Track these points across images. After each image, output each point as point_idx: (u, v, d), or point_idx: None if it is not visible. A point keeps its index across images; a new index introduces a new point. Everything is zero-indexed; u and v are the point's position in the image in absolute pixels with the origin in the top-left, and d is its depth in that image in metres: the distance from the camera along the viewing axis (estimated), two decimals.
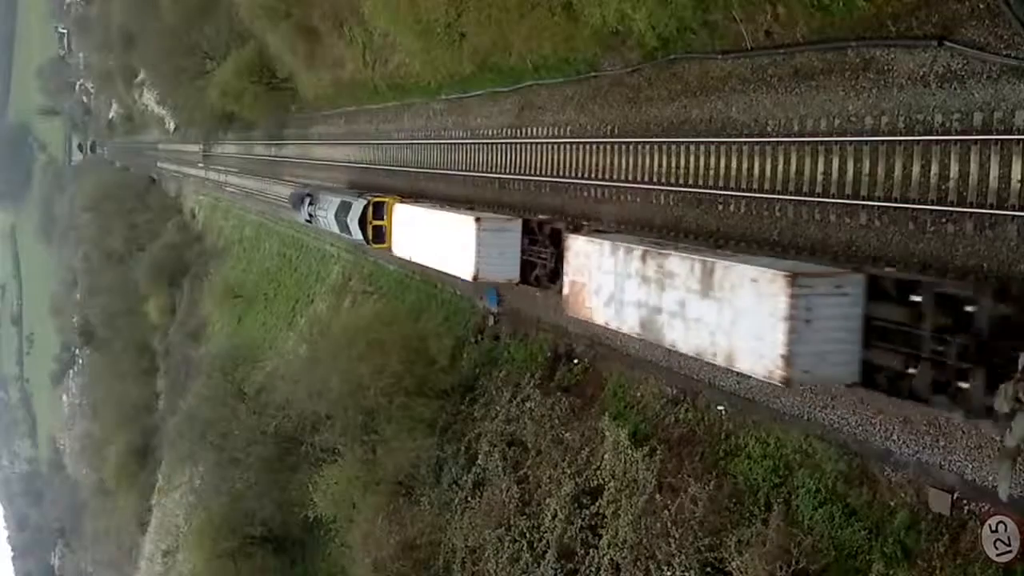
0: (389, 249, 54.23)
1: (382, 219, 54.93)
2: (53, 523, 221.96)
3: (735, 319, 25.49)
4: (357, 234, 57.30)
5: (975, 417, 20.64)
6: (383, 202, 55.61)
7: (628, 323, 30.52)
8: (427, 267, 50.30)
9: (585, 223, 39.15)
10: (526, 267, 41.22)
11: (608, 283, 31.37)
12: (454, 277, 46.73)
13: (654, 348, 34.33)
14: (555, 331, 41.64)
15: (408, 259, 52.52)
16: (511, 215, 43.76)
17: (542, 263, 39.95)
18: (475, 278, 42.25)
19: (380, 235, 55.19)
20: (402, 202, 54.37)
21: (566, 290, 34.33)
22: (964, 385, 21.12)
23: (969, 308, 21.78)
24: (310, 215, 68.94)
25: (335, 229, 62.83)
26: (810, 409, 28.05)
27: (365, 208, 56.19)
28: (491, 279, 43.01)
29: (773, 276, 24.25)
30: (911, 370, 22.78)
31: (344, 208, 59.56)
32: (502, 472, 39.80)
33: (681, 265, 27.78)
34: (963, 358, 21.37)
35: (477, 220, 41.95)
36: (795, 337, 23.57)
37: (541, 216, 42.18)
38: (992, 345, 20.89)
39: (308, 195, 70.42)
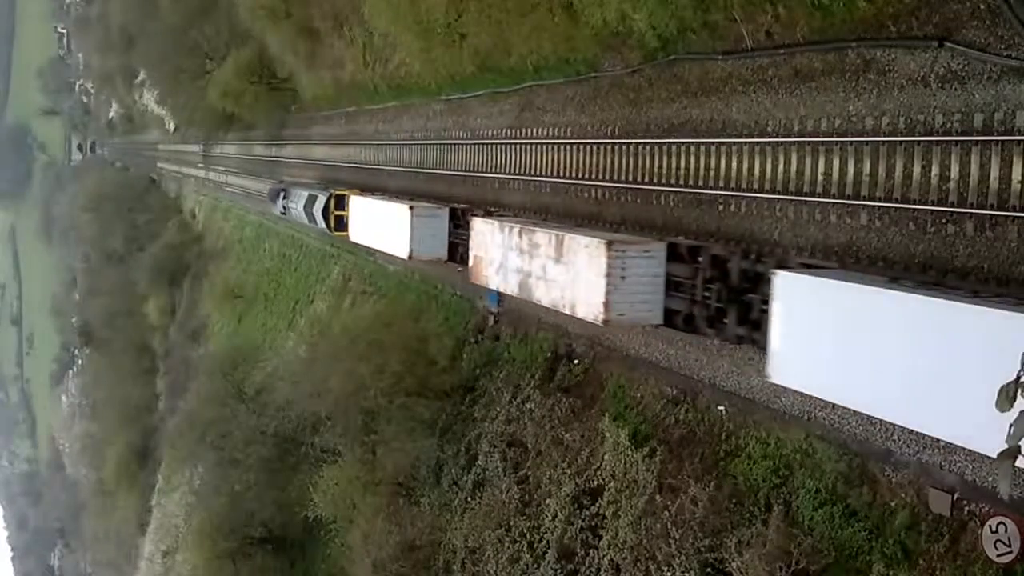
0: (348, 236, 60.91)
1: (343, 210, 61.96)
2: (53, 523, 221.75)
3: (575, 277, 33.23)
4: (321, 223, 64.69)
5: (731, 342, 29.78)
6: (344, 195, 62.92)
7: (510, 286, 38.34)
8: (377, 249, 58.80)
9: (493, 209, 47.27)
10: (452, 247, 48.81)
11: (498, 255, 39.03)
12: (395, 256, 54.39)
13: (655, 349, 34.48)
14: (555, 331, 41.64)
15: (363, 244, 59.97)
16: (440, 204, 51.14)
17: (463, 243, 45.58)
18: (410, 256, 50.09)
19: (341, 224, 62.13)
20: (359, 195, 61.36)
21: (470, 262, 42.02)
22: (725, 320, 29.23)
23: (728, 264, 29.16)
24: (284, 208, 76.22)
25: (304, 220, 70.16)
26: (810, 409, 28.04)
27: (328, 200, 63.57)
28: (423, 257, 50.37)
29: (598, 243, 32.10)
30: (694, 311, 30.44)
31: (311, 201, 66.97)
32: (502, 473, 39.80)
33: (543, 238, 35.44)
34: (722, 300, 29.26)
35: (411, 208, 49.60)
36: (612, 289, 31.39)
37: (462, 205, 50.14)
38: (739, 289, 28.66)
39: (282, 190, 77.75)
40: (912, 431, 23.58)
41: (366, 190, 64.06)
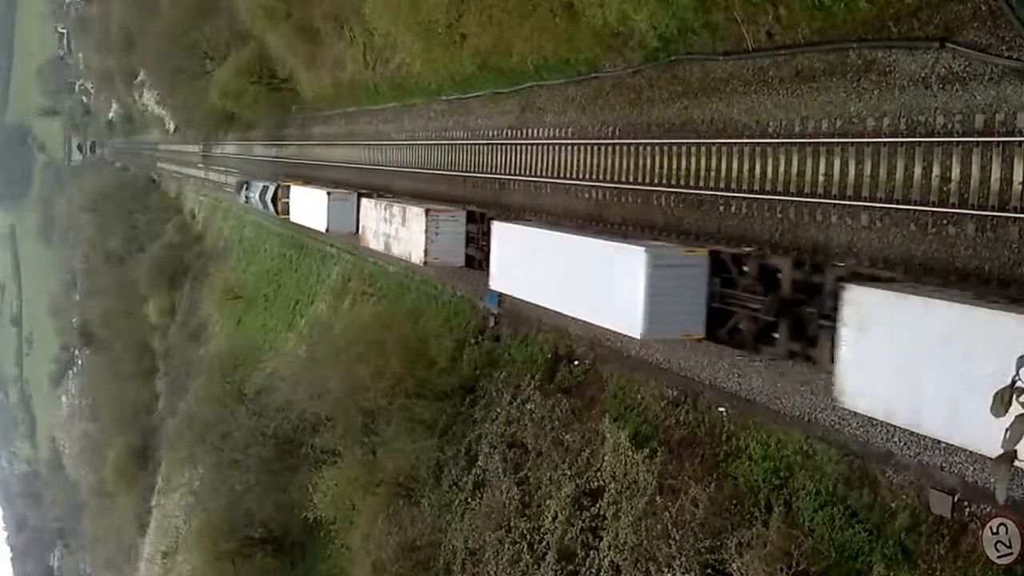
0: (289, 218, 76.18)
1: (287, 197, 76.15)
2: (52, 524, 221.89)
3: (412, 235, 48.02)
4: (270, 208, 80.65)
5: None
6: (288, 185, 77.66)
7: (381, 246, 53.35)
8: (309, 228, 71.77)
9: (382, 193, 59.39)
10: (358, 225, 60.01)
11: (374, 224, 54.42)
12: (319, 232, 68.39)
13: (655, 351, 34.43)
14: (556, 332, 41.61)
15: (299, 222, 74.30)
16: (350, 190, 65.48)
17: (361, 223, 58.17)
18: (327, 230, 65.09)
19: (286, 208, 76.34)
20: (297, 185, 76.27)
21: (360, 231, 57.82)
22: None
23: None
24: (246, 197, 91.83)
25: (260, 207, 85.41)
26: (811, 410, 28.02)
27: (276, 190, 78.81)
28: (336, 230, 64.56)
29: (420, 210, 47.43)
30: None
31: (264, 191, 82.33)
32: (502, 473, 39.76)
33: (397, 210, 50.94)
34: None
35: (328, 193, 64.98)
36: (430, 241, 46.43)
37: (365, 190, 63.27)
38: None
39: (246, 183, 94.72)
40: (910, 432, 23.53)
41: (372, 190, 64.51)
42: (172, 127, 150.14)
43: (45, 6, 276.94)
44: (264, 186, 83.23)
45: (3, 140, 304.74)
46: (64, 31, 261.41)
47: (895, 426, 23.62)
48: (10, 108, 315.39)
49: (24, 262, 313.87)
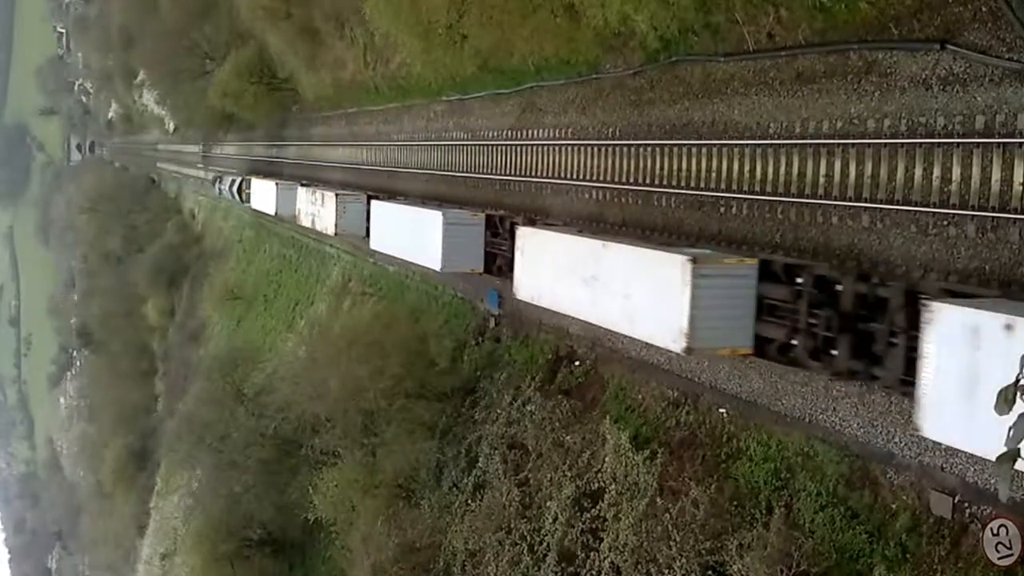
0: (249, 205, 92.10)
1: (249, 189, 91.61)
2: (50, 526, 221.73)
3: (326, 214, 62.62)
4: (236, 198, 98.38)
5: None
6: (250, 178, 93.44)
7: (309, 223, 68.06)
8: (264, 212, 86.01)
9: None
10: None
11: (306, 207, 68.89)
12: (271, 215, 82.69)
13: (655, 353, 34.39)
14: (556, 333, 41.63)
15: (257, 208, 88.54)
16: (293, 182, 78.22)
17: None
18: (276, 213, 79.55)
19: (248, 198, 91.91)
20: (257, 178, 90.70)
21: (298, 216, 71.92)
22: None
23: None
24: (219, 190, 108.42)
25: (229, 197, 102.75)
26: (812, 412, 28.03)
27: (240, 182, 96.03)
28: (283, 213, 77.74)
29: (331, 195, 62.29)
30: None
31: (232, 183, 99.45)
32: (503, 475, 39.76)
33: (318, 195, 65.71)
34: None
35: (277, 184, 79.79)
36: (340, 216, 61.13)
37: (307, 180, 77.42)
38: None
39: (218, 177, 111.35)
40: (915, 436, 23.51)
41: (377, 192, 64.47)
42: (172, 127, 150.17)
43: (44, 5, 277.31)
44: (232, 179, 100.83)
45: (2, 140, 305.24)
46: (63, 30, 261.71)
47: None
48: (9, 108, 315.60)
49: (22, 262, 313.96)
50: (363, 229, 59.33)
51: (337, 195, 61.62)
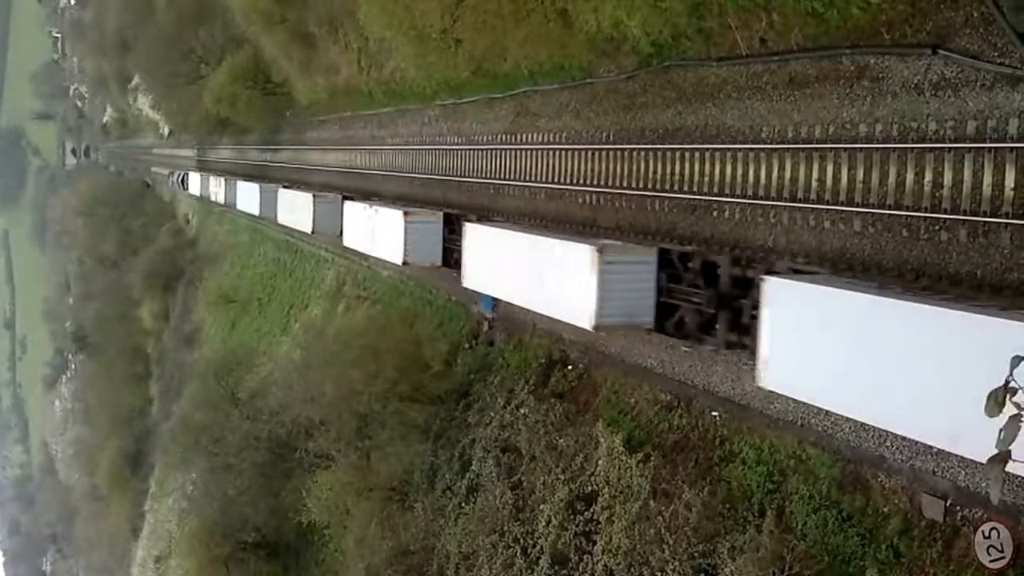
0: (187, 191, 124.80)
1: (187, 180, 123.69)
2: (45, 529, 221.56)
3: (250, 201, 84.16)
4: (179, 187, 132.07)
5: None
6: (187, 173, 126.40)
7: (246, 210, 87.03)
8: (197, 194, 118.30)
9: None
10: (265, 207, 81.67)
11: (216, 189, 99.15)
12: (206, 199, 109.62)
13: (648, 355, 34.51)
14: (550, 337, 41.68)
15: (193, 193, 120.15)
16: (210, 173, 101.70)
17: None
18: (200, 195, 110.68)
19: (185, 185, 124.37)
20: (193, 172, 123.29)
21: (235, 201, 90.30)
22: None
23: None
24: (171, 182, 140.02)
25: (179, 187, 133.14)
26: (804, 415, 28.10)
27: (183, 177, 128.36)
28: (204, 196, 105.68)
29: (255, 186, 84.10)
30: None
31: (178, 176, 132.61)
32: (496, 478, 39.80)
33: (232, 182, 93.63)
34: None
35: (201, 175, 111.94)
36: (265, 205, 79.20)
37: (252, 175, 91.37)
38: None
39: (171, 171, 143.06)
40: (904, 437, 23.60)
41: (358, 194, 65.35)
42: (166, 131, 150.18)
43: (40, 10, 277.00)
44: (179, 174, 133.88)
45: None
46: (59, 35, 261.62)
47: (884, 430, 23.91)
48: (4, 112, 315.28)
49: (17, 266, 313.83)
50: (312, 225, 64.52)
51: (227, 179, 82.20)
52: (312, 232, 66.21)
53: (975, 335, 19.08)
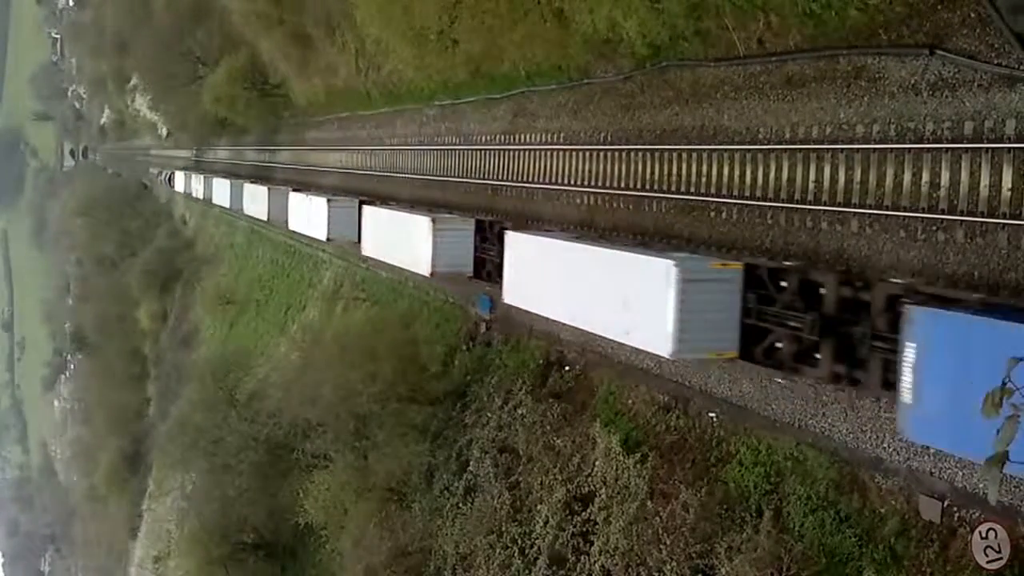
0: (174, 188, 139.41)
1: (174, 179, 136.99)
2: (43, 529, 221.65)
3: (220, 195, 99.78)
4: (167, 186, 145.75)
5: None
6: (173, 172, 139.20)
7: (195, 193, 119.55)
8: (180, 191, 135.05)
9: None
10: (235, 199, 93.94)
11: (198, 186, 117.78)
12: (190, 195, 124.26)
13: (645, 357, 34.46)
14: (547, 338, 41.66)
15: (178, 190, 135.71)
16: (190, 172, 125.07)
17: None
18: (184, 192, 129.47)
19: (173, 184, 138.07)
20: (178, 171, 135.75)
21: (212, 197, 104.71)
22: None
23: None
24: (160, 181, 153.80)
25: (167, 185, 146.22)
26: (801, 416, 28.09)
27: (170, 176, 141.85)
28: (185, 192, 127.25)
29: (228, 181, 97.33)
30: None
31: (166, 176, 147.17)
32: (493, 478, 39.81)
33: (212, 178, 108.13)
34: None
35: (184, 173, 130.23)
36: (236, 198, 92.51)
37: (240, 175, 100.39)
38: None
39: (159, 171, 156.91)
40: (901, 438, 23.56)
41: (358, 195, 64.84)
42: (164, 132, 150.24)
43: (38, 12, 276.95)
44: (167, 173, 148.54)
45: None
46: (57, 36, 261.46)
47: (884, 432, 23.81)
48: (3, 113, 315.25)
49: (16, 267, 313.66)
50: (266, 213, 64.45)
51: (233, 179, 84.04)
52: (327, 239, 62.04)
53: None
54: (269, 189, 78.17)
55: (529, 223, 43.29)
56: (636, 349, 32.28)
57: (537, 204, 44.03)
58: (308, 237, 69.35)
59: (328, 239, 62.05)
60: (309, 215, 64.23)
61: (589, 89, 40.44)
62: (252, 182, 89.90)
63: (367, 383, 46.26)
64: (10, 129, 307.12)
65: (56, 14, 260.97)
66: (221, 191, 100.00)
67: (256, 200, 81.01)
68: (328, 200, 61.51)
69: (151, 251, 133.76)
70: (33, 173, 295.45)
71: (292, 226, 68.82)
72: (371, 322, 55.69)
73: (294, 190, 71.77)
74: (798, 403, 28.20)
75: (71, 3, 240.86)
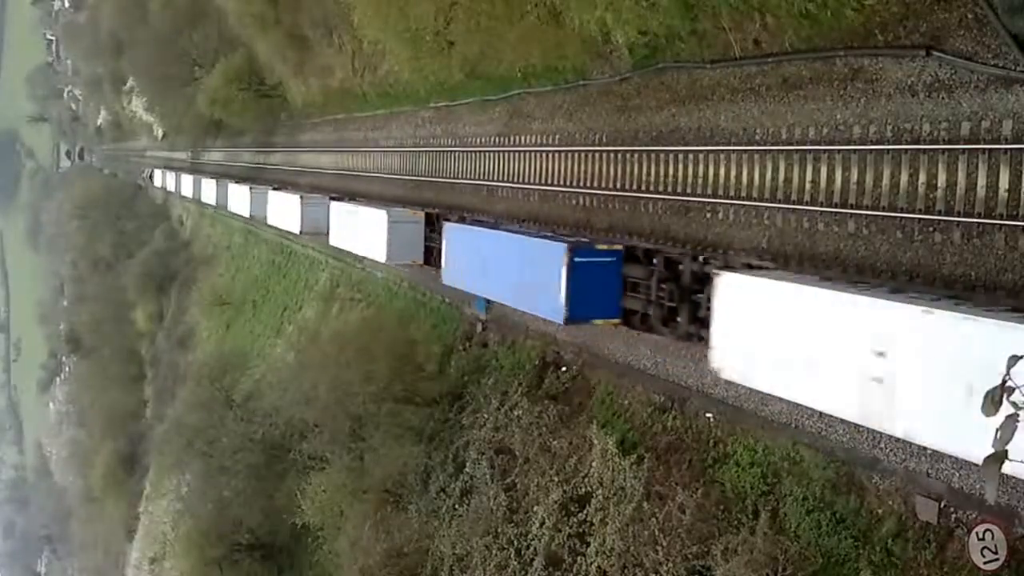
0: (154, 184, 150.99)
1: (153, 176, 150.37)
2: (39, 530, 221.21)
3: (208, 194, 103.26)
4: (148, 183, 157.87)
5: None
6: (155, 168, 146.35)
7: (209, 202, 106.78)
8: (163, 187, 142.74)
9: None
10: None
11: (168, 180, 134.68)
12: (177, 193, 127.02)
13: (641, 357, 34.47)
14: (543, 339, 41.65)
15: (158, 186, 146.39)
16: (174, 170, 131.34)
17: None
18: (163, 188, 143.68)
19: (156, 181, 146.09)
20: (158, 169, 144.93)
21: (202, 196, 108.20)
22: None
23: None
24: (142, 179, 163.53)
25: (149, 182, 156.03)
26: (798, 417, 28.08)
27: (153, 172, 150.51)
28: (160, 187, 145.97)
29: (214, 181, 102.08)
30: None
31: (147, 173, 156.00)
32: (490, 480, 39.77)
33: (208, 182, 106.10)
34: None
35: (164, 169, 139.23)
36: (222, 196, 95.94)
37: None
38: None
39: (142, 169, 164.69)
40: (896, 438, 23.59)
41: (349, 195, 65.40)
42: (160, 134, 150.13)
43: (34, 13, 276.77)
44: (148, 170, 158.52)
45: None
46: (53, 38, 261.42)
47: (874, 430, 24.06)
48: None
49: (11, 268, 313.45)
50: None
51: (220, 180, 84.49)
52: (300, 232, 68.48)
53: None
54: (251, 188, 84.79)
55: (526, 223, 43.40)
56: (635, 349, 34.08)
57: (533, 205, 44.02)
58: (296, 233, 72.71)
59: (301, 232, 68.49)
60: (285, 211, 71.04)
61: (585, 90, 40.44)
62: (236, 182, 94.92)
63: (363, 384, 46.25)
64: (6, 130, 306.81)
65: (52, 15, 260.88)
66: (208, 190, 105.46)
67: (239, 198, 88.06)
68: (301, 197, 68.39)
69: (147, 252, 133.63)
70: (29, 174, 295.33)
71: (271, 221, 76.58)
72: (367, 323, 55.71)
73: (273, 189, 79.31)
74: (795, 403, 28.06)
75: (67, 4, 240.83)
